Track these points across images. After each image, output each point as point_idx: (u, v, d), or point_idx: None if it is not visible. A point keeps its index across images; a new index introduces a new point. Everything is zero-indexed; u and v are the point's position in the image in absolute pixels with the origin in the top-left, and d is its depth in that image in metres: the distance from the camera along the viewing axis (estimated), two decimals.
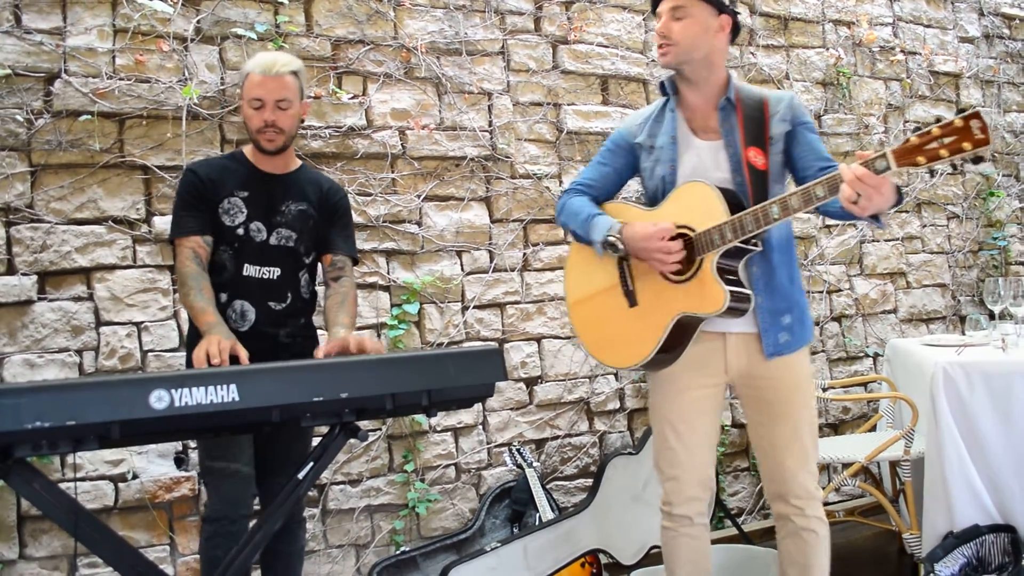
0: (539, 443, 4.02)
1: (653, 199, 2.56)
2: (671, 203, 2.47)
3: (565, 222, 2.66)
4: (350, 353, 2.38)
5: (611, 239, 2.46)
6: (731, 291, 2.33)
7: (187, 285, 2.52)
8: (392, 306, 3.77)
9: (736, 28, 2.53)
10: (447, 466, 3.83)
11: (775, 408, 2.50)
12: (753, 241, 2.38)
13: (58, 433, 1.61)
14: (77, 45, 3.32)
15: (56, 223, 3.26)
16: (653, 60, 4.38)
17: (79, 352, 3.27)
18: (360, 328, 3.68)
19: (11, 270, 3.20)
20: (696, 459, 2.53)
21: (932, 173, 4.94)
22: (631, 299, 2.52)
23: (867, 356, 4.85)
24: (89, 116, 3.30)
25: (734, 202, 2.37)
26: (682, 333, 2.45)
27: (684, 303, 2.40)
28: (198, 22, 3.50)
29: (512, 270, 4.02)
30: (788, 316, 2.48)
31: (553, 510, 3.70)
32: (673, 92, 2.58)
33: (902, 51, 5.10)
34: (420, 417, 3.67)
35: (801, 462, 2.49)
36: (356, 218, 3.54)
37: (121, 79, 3.36)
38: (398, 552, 3.64)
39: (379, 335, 3.74)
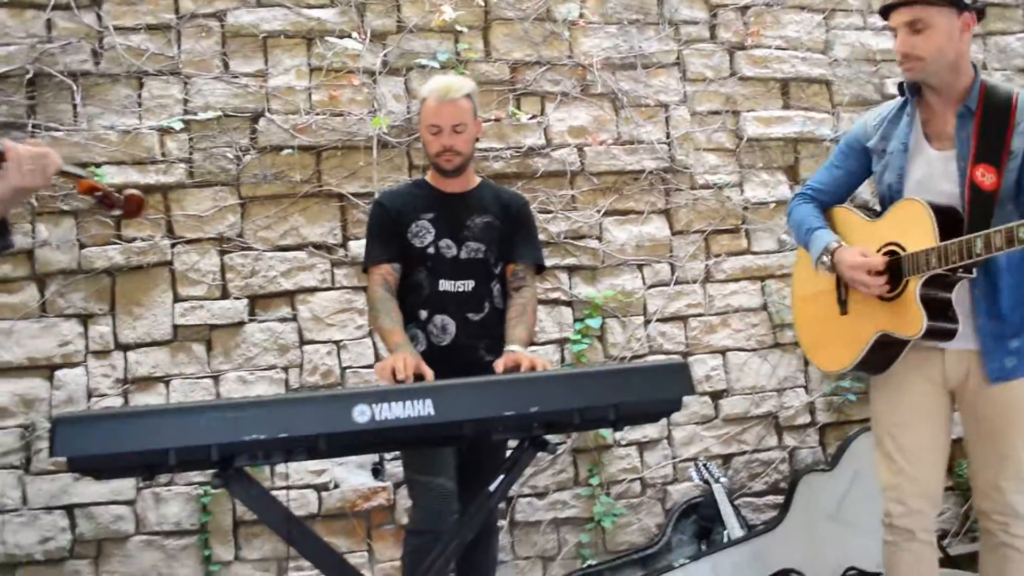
0: (726, 458, 3.93)
1: (880, 204, 2.53)
2: (889, 218, 2.43)
3: (793, 228, 2.73)
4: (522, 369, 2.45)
5: (823, 260, 2.49)
6: (931, 322, 2.25)
7: (376, 309, 2.67)
8: (575, 321, 3.81)
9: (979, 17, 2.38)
10: (632, 480, 3.82)
11: (992, 427, 2.37)
12: (964, 269, 2.24)
13: (272, 444, 1.74)
14: (278, 85, 3.59)
15: (263, 250, 3.53)
16: (835, 60, 4.22)
17: (285, 369, 3.51)
18: (544, 343, 3.74)
19: (225, 294, 3.49)
20: (919, 469, 2.40)
21: None
22: (843, 307, 2.53)
23: None
24: (290, 150, 3.55)
25: (951, 223, 2.26)
26: (886, 349, 2.39)
27: (886, 321, 2.36)
28: (385, 56, 3.70)
29: (694, 282, 3.97)
30: (1016, 340, 2.34)
31: (742, 527, 3.60)
32: (912, 94, 2.45)
33: None
34: (605, 431, 3.69)
35: (1015, 482, 2.35)
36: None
37: (317, 114, 3.60)
38: (585, 566, 3.66)
39: (563, 350, 3.79)
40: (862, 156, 2.57)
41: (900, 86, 2.49)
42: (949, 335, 2.30)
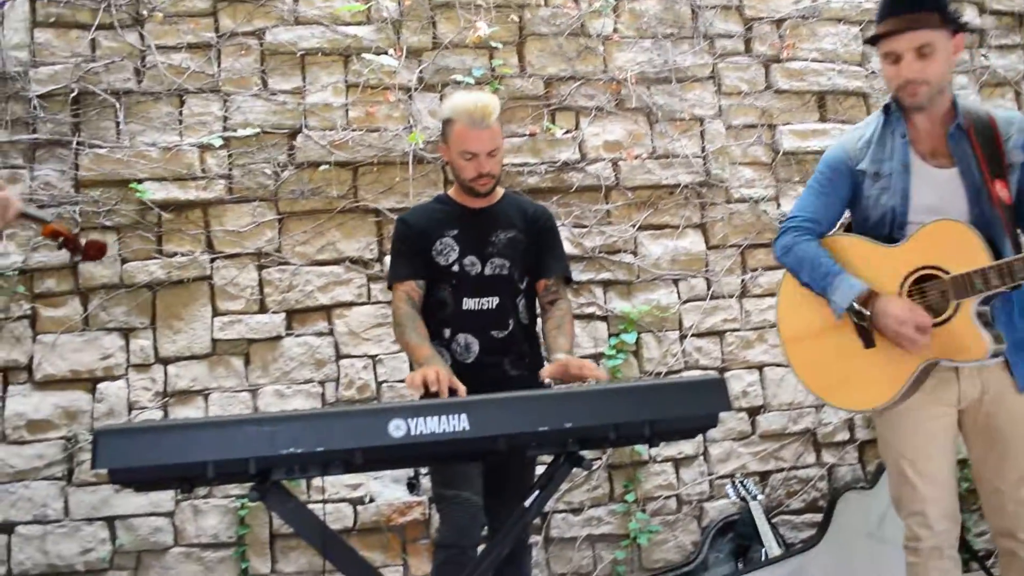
0: (763, 475, 3.89)
1: (875, 229, 2.41)
2: (916, 242, 2.31)
3: (793, 267, 2.50)
4: (570, 375, 2.44)
5: (858, 308, 2.31)
6: (995, 345, 2.20)
7: (402, 325, 2.66)
8: (610, 336, 3.80)
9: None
10: (668, 497, 3.79)
11: (1011, 440, 2.32)
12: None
13: (309, 458, 1.75)
14: (315, 102, 3.64)
15: (300, 265, 3.56)
16: (872, 72, 4.18)
17: (322, 383, 3.54)
18: (579, 358, 3.71)
19: (263, 309, 3.53)
20: (939, 491, 2.37)
21: None
22: (867, 339, 2.36)
23: None
24: (327, 166, 3.59)
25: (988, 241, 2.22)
26: (923, 376, 2.32)
27: (934, 349, 2.26)
28: (420, 72, 3.73)
29: (730, 297, 3.94)
30: None
31: (780, 545, 3.56)
32: (900, 114, 2.40)
33: None
34: (641, 447, 3.67)
35: None
36: (572, 250, 3.62)
37: (354, 130, 3.64)
38: None
39: (598, 365, 3.77)
40: (849, 179, 2.45)
41: (886, 107, 2.43)
42: (998, 355, 2.26)
